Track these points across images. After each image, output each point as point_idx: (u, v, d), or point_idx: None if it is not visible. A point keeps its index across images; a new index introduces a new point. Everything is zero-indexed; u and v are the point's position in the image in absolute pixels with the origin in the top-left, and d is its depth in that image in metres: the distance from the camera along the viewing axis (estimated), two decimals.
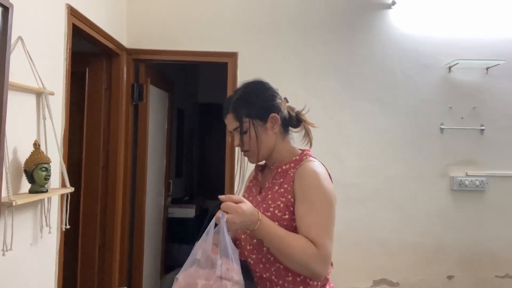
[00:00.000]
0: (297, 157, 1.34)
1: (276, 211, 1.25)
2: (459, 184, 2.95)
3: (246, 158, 1.39)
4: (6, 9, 1.43)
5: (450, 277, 2.95)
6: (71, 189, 1.97)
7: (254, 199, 1.38)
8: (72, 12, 2.11)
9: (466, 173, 2.97)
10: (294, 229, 1.22)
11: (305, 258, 1.15)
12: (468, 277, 2.95)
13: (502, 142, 2.99)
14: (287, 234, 1.18)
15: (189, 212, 4.41)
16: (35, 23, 1.80)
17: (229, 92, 2.96)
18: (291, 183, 1.26)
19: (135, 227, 3.09)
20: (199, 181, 6.30)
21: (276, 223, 1.21)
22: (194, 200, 5.19)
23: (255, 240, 1.28)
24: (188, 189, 5.83)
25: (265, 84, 1.38)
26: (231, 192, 2.95)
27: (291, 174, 1.29)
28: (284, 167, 1.32)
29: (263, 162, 1.45)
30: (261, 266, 1.28)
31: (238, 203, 1.13)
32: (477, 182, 2.95)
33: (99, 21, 2.44)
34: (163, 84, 3.57)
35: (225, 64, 2.99)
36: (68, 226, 1.99)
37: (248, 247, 1.32)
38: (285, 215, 1.24)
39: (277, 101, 1.35)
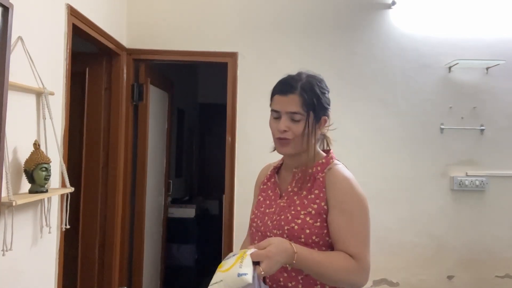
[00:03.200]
0: (323, 160, 1.28)
1: (308, 218, 1.20)
2: (459, 184, 2.95)
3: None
4: (6, 9, 1.43)
5: (450, 277, 2.95)
6: (71, 189, 1.97)
7: (275, 203, 1.30)
8: (72, 12, 2.11)
9: (466, 173, 2.97)
10: (325, 236, 1.19)
11: (347, 275, 1.14)
12: (468, 277, 2.95)
13: (502, 142, 2.99)
14: (325, 257, 1.14)
15: (189, 212, 4.41)
16: (35, 23, 1.80)
17: (229, 92, 2.96)
18: (323, 189, 1.22)
19: (135, 227, 3.09)
20: (199, 181, 6.31)
21: (307, 230, 1.18)
22: (194, 200, 5.18)
23: None
24: (188, 189, 5.82)
25: (326, 85, 1.31)
26: (232, 192, 2.95)
27: (321, 179, 1.24)
28: (310, 170, 1.26)
29: (278, 163, 1.41)
30: (285, 275, 1.21)
31: (266, 247, 1.06)
32: (477, 182, 2.95)
33: (99, 21, 2.44)
34: (163, 84, 3.57)
35: (225, 64, 2.99)
36: (68, 226, 2.00)
37: None
38: (316, 222, 1.19)
39: (330, 106, 1.30)
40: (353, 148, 2.94)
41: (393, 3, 2.97)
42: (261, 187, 1.41)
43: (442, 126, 2.98)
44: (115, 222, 2.82)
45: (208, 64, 3.33)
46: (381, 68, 2.99)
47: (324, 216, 1.20)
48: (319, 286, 1.21)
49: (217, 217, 4.95)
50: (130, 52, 2.93)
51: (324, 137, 1.37)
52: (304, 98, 1.22)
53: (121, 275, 2.89)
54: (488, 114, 2.99)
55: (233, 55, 2.96)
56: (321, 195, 1.21)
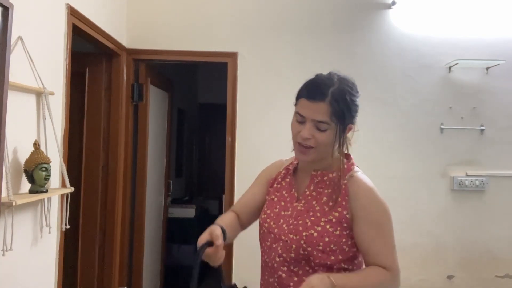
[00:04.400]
0: (345, 166, 1.24)
1: (328, 226, 1.16)
2: (459, 184, 2.94)
3: None
4: (6, 9, 1.43)
5: (450, 277, 2.95)
6: (71, 189, 1.97)
7: (291, 206, 1.25)
8: (72, 12, 2.11)
9: (466, 173, 2.97)
10: (343, 244, 1.16)
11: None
12: (468, 277, 2.95)
13: (502, 142, 2.99)
14: (361, 278, 1.15)
15: (189, 212, 4.41)
16: (35, 23, 1.80)
17: (229, 92, 2.96)
18: (346, 198, 1.18)
19: (135, 227, 3.09)
20: (199, 181, 6.31)
21: (327, 238, 1.15)
22: (194, 200, 5.19)
23: (292, 254, 1.17)
24: (188, 189, 5.82)
25: (357, 89, 1.23)
26: (232, 192, 2.95)
27: (343, 186, 1.20)
28: (331, 175, 1.22)
29: (292, 161, 1.35)
30: (296, 279, 1.17)
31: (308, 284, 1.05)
32: (477, 182, 2.95)
33: (99, 21, 2.44)
34: (163, 84, 3.57)
35: (225, 64, 2.99)
36: (68, 226, 2.00)
37: (278, 259, 1.20)
38: (336, 230, 1.16)
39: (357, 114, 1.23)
40: (353, 148, 2.93)
41: (393, 3, 2.96)
42: (274, 185, 1.34)
43: (442, 126, 2.98)
44: (115, 222, 2.82)
45: (208, 64, 3.33)
46: (381, 68, 2.99)
47: (345, 225, 1.17)
48: None
49: (217, 217, 4.94)
50: (130, 52, 2.93)
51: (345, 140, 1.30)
52: (334, 108, 1.14)
53: (121, 275, 2.89)
54: (488, 114, 2.99)
55: (233, 55, 2.96)
56: (344, 203, 1.17)
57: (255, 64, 2.96)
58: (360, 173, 1.25)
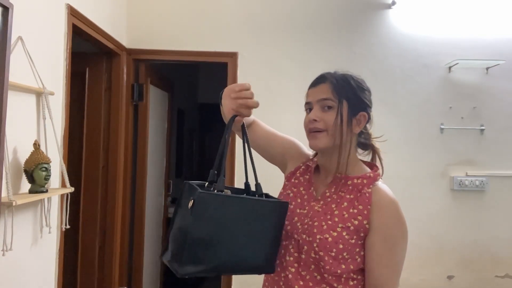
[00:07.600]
0: (371, 174, 1.18)
1: (344, 233, 1.11)
2: (459, 184, 2.94)
3: None
4: (6, 9, 1.43)
5: (450, 277, 2.95)
6: (71, 189, 1.97)
7: (308, 205, 1.20)
8: (72, 12, 2.12)
9: (466, 173, 2.97)
10: (355, 254, 1.12)
11: None
12: (468, 277, 2.95)
13: (502, 142, 2.99)
14: None
15: None
16: (35, 23, 1.80)
17: None
18: (368, 207, 1.13)
19: (135, 227, 3.09)
20: None
21: (341, 245, 1.10)
22: None
23: (303, 256, 1.14)
24: None
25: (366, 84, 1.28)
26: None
27: (367, 195, 1.14)
28: (355, 180, 1.17)
29: (315, 160, 1.28)
30: (301, 283, 1.13)
31: None
32: (477, 182, 2.95)
33: (99, 21, 2.44)
34: (163, 84, 3.57)
35: (225, 64, 2.99)
36: (68, 226, 2.00)
37: (289, 258, 1.17)
38: (352, 239, 1.11)
39: (371, 106, 1.24)
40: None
41: (393, 3, 2.97)
42: (292, 180, 1.29)
43: (442, 126, 2.98)
44: (115, 222, 2.82)
45: (208, 64, 3.33)
46: (381, 68, 2.99)
47: (362, 234, 1.12)
48: None
49: None
50: (130, 52, 2.93)
51: (372, 148, 1.28)
52: (334, 84, 1.17)
53: (121, 275, 2.89)
54: (488, 114, 2.99)
55: (233, 55, 2.96)
56: (365, 212, 1.12)
57: (255, 64, 2.96)
58: (385, 186, 1.21)
